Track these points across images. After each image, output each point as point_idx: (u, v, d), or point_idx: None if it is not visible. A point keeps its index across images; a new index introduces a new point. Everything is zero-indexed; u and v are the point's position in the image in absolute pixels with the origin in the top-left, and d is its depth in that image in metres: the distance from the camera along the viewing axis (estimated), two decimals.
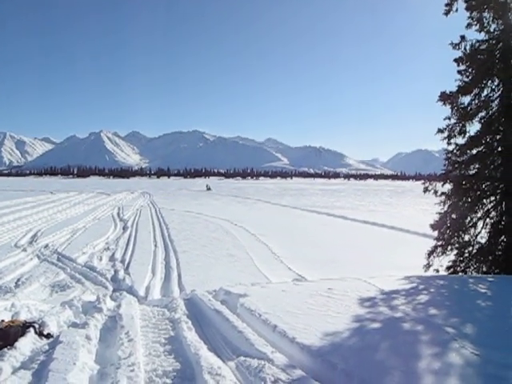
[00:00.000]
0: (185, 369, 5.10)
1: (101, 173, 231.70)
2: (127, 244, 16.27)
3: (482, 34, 10.31)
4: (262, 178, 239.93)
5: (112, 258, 13.67)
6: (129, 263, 12.82)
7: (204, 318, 7.20)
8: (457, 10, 10.33)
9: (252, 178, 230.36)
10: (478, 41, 10.33)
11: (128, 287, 10.14)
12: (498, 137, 10.26)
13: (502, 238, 10.03)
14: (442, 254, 10.31)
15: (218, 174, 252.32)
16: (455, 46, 10.39)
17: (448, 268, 10.23)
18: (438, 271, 10.12)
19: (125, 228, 20.98)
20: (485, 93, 10.33)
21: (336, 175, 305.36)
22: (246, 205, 39.27)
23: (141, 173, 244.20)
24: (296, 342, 5.08)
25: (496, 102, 10.28)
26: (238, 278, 10.67)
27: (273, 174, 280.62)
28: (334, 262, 13.45)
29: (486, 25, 10.23)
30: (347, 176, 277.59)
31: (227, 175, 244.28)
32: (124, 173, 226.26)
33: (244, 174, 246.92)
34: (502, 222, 10.05)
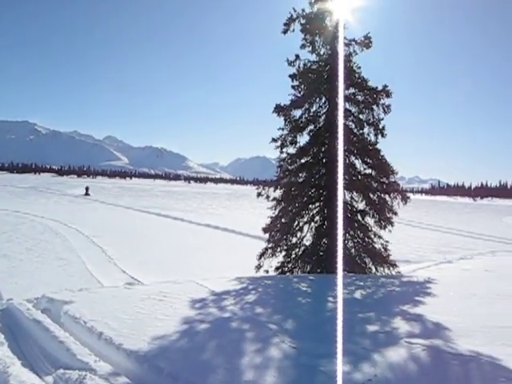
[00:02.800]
0: None
1: None
2: None
3: (314, 55, 11.35)
4: (99, 177, 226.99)
5: None
6: None
7: (20, 329, 6.49)
8: (293, 30, 11.17)
9: (89, 176, 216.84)
10: (310, 61, 11.34)
11: None
12: (323, 149, 11.36)
13: (324, 240, 11.10)
14: (272, 256, 10.97)
15: (51, 171, 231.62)
16: (291, 63, 11.23)
17: (277, 268, 10.94)
18: (267, 272, 10.72)
19: None
20: (314, 108, 11.36)
21: (177, 177, 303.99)
22: (80, 205, 36.84)
23: None
24: (122, 348, 4.89)
25: (323, 118, 11.39)
26: (68, 284, 9.94)
27: (111, 174, 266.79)
28: (169, 264, 13.39)
29: (317, 48, 11.28)
30: (188, 178, 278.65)
31: (61, 172, 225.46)
32: None
33: (80, 172, 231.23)
34: (325, 226, 11.13)
